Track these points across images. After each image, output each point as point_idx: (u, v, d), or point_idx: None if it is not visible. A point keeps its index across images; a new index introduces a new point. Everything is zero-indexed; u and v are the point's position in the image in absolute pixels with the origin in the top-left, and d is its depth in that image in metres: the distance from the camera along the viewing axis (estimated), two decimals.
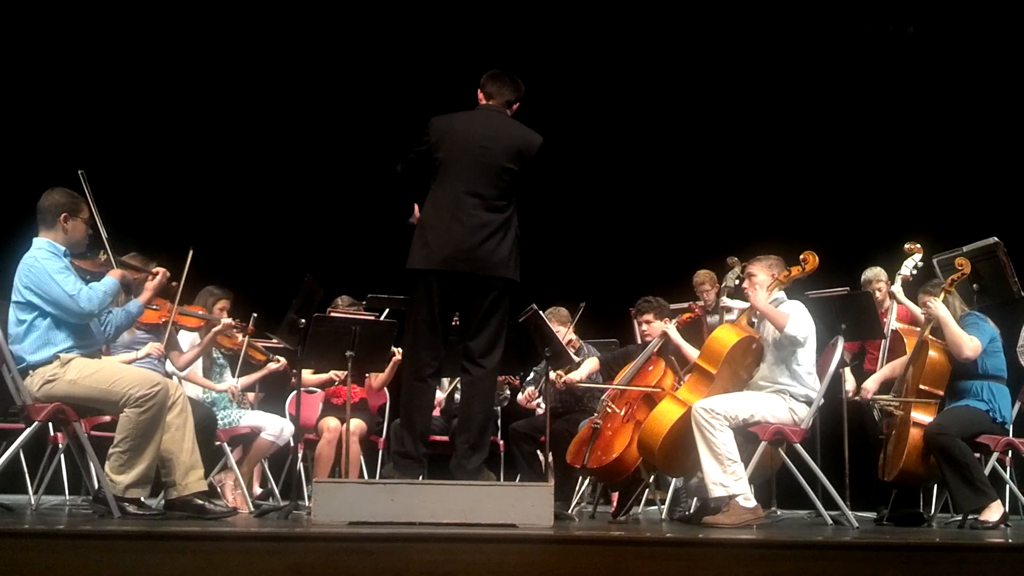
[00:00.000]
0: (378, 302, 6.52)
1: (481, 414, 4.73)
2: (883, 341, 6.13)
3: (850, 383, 6.27)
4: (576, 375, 6.30)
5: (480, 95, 4.90)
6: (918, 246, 6.20)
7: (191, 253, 5.52)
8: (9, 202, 6.10)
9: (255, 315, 6.14)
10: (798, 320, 5.17)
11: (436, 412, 6.55)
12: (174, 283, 5.28)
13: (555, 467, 6.07)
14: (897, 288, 6.14)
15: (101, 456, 4.71)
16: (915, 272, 6.15)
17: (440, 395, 6.78)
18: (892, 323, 6.15)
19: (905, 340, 5.91)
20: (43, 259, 4.61)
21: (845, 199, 8.75)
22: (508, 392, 7.14)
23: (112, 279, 4.78)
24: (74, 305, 4.56)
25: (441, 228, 4.65)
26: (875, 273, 6.49)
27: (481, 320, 4.71)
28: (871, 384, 5.79)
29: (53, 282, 4.56)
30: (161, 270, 5.08)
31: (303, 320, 5.31)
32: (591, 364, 6.46)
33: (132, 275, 5.11)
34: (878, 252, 6.70)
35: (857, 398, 6.01)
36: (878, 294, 6.36)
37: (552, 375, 6.30)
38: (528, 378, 6.86)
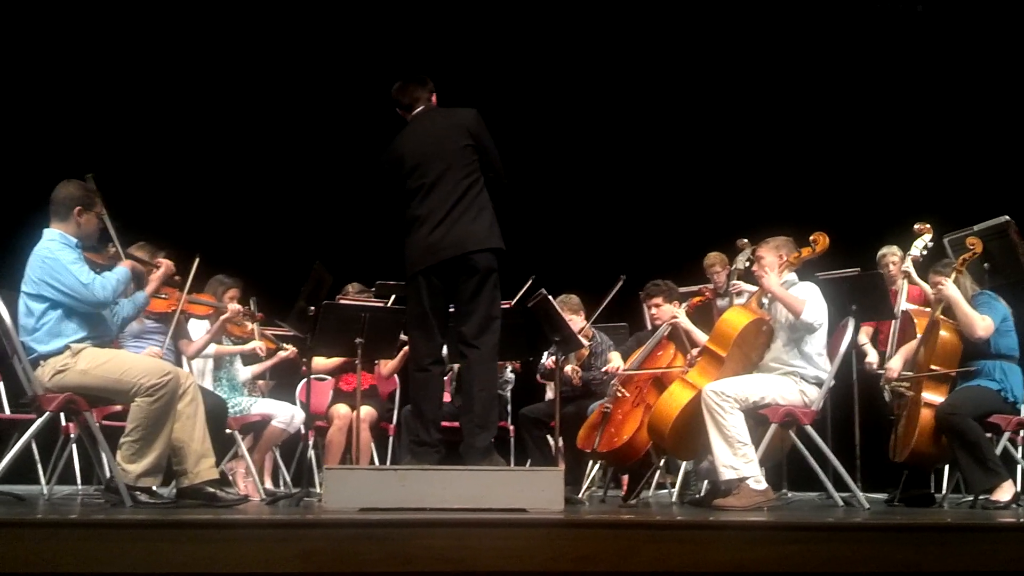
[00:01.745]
0: (387, 289, 6.52)
1: (482, 393, 4.73)
2: (894, 321, 6.10)
3: (872, 355, 6.26)
4: (615, 364, 6.23)
5: (400, 111, 5.02)
6: (928, 226, 6.17)
7: (197, 260, 5.53)
8: (16, 196, 6.12)
9: (253, 298, 6.15)
10: (814, 306, 5.14)
11: (447, 398, 6.57)
12: (177, 277, 5.29)
13: (565, 451, 6.07)
14: (908, 267, 6.12)
15: (113, 445, 4.73)
16: (925, 252, 6.13)
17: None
18: (903, 303, 6.13)
19: (916, 320, 5.89)
20: (57, 250, 4.64)
21: (855, 179, 8.72)
22: (512, 376, 7.14)
23: (123, 268, 4.82)
24: (89, 294, 4.59)
25: (420, 230, 4.74)
26: (889, 250, 6.46)
27: (468, 303, 4.73)
28: (896, 363, 5.77)
29: (68, 272, 4.59)
30: (165, 262, 5.09)
31: (312, 307, 5.32)
32: (618, 357, 6.42)
33: (140, 267, 5.13)
34: (888, 232, 6.67)
35: (880, 371, 5.97)
36: (892, 267, 6.34)
37: (568, 369, 6.29)
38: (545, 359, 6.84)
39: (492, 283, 4.76)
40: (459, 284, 4.73)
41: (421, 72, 5.05)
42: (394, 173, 4.86)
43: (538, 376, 6.92)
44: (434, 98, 5.01)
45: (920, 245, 6.14)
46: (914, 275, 6.13)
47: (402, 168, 4.83)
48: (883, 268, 6.36)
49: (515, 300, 6.10)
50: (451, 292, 4.77)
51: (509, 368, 7.08)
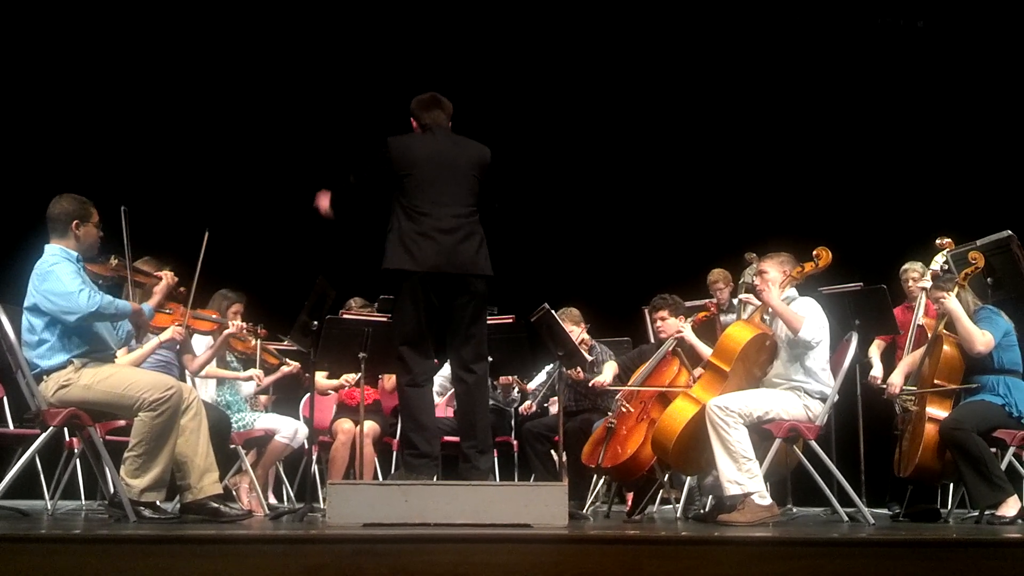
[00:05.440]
0: (390, 304, 6.50)
1: (483, 418, 4.86)
2: (908, 335, 6.08)
3: (877, 369, 6.23)
4: (602, 379, 6.29)
5: (414, 122, 5.03)
6: (949, 240, 6.12)
7: (207, 236, 5.50)
8: (21, 211, 6.13)
9: (260, 325, 6.16)
10: (813, 323, 5.13)
11: (450, 413, 6.56)
12: (182, 288, 5.29)
13: (569, 467, 6.07)
14: (927, 283, 6.08)
15: (116, 460, 4.73)
16: (946, 267, 6.09)
17: (440, 399, 6.75)
18: (919, 317, 6.10)
19: (930, 335, 5.87)
20: (54, 264, 4.62)
21: (858, 195, 8.73)
22: (518, 393, 7.13)
23: (129, 306, 4.76)
24: (73, 302, 4.52)
25: (422, 236, 4.75)
26: (911, 265, 6.44)
27: (468, 328, 4.82)
28: (897, 379, 5.76)
29: (58, 280, 4.56)
30: (167, 273, 5.09)
31: (315, 322, 5.32)
32: (613, 367, 6.44)
33: (143, 280, 5.13)
34: (891, 247, 6.67)
35: (883, 386, 5.95)
36: (911, 283, 6.34)
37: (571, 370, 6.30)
38: (540, 381, 6.86)
39: (485, 307, 4.90)
40: (455, 305, 4.78)
41: (441, 93, 5.10)
42: (394, 170, 4.83)
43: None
44: (449, 124, 5.05)
45: (940, 260, 6.11)
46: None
47: (405, 170, 4.82)
48: (904, 283, 6.37)
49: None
50: (445, 312, 4.80)
51: (516, 388, 7.07)
